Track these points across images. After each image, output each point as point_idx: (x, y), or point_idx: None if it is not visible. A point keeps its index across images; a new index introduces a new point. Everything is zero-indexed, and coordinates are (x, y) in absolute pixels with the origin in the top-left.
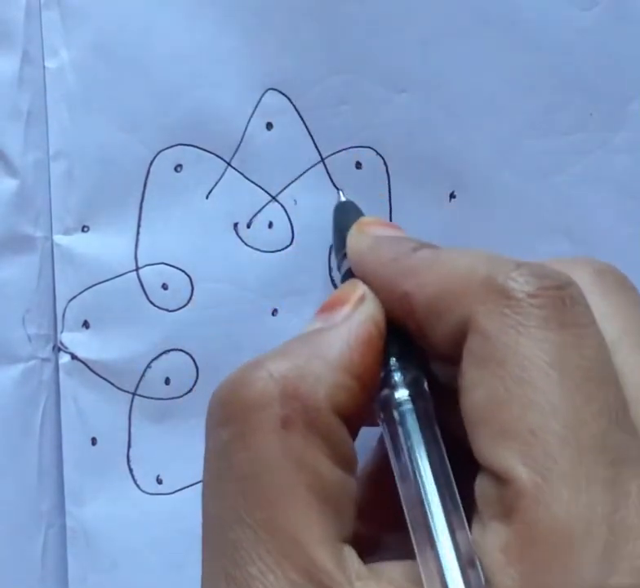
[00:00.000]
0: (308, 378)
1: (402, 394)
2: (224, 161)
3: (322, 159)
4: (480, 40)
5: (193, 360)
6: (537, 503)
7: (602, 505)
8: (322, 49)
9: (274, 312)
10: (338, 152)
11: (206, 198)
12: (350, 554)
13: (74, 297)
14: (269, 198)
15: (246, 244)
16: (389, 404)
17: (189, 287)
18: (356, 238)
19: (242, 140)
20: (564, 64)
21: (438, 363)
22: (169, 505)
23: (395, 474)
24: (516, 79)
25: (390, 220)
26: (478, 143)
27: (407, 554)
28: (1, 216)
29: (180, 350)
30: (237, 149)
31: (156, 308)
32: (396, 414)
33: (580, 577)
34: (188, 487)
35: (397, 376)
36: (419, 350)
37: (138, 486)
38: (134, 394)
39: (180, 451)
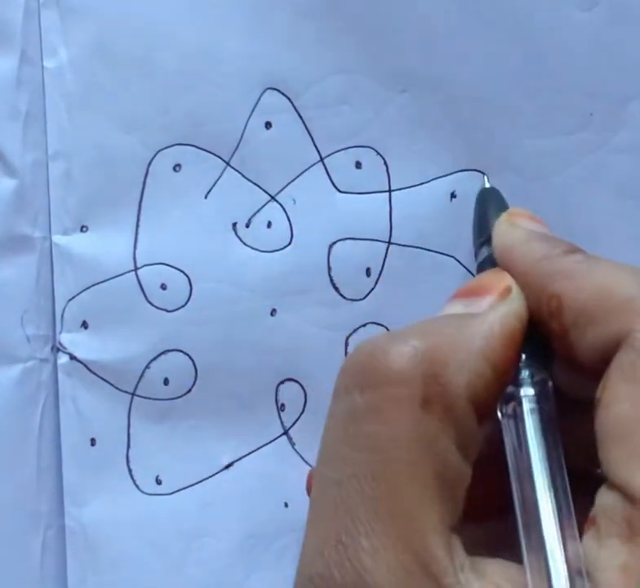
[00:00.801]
0: (452, 362)
1: (528, 391)
2: (223, 160)
3: (322, 159)
4: (480, 40)
5: (192, 360)
6: None
7: None
8: (322, 48)
9: (273, 312)
10: (337, 151)
11: (205, 197)
12: (457, 544)
13: (73, 297)
14: (268, 197)
15: (245, 244)
16: (514, 400)
17: (188, 287)
18: (505, 229)
19: (240, 139)
20: (564, 64)
21: (567, 369)
22: (168, 506)
23: (511, 472)
24: (516, 79)
25: (390, 220)
26: (478, 143)
27: (477, 548)
28: None
29: (179, 351)
30: (236, 149)
31: (155, 308)
32: (520, 411)
33: None
34: (187, 487)
35: (525, 374)
36: (548, 353)
37: (137, 486)
38: (133, 394)
39: (180, 451)
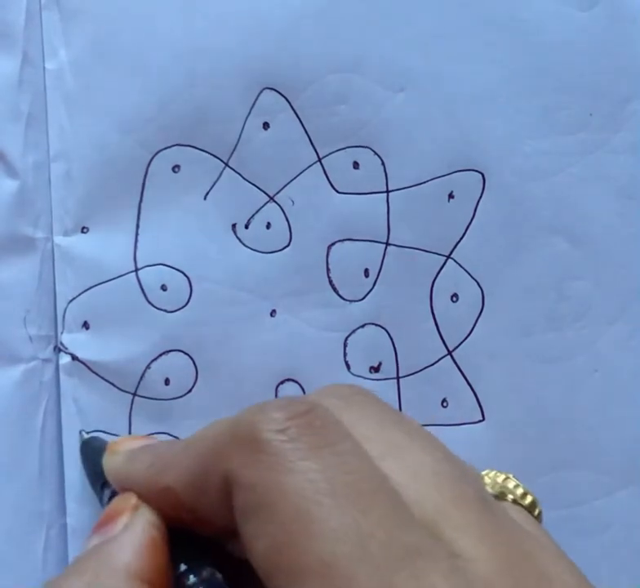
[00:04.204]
0: None
1: None
2: (222, 161)
3: (320, 159)
4: (480, 40)
5: (193, 361)
6: None
7: None
8: (319, 48)
9: (273, 312)
10: (335, 151)
11: (204, 198)
12: None
13: (74, 298)
14: (267, 198)
15: (244, 245)
16: None
17: (188, 288)
18: (110, 459)
19: (239, 140)
20: (564, 64)
21: (232, 540)
22: None
23: None
24: (516, 79)
25: (388, 221)
26: (478, 143)
27: None
28: (1, 218)
29: (180, 351)
30: (234, 150)
31: (155, 309)
32: None
33: None
34: None
35: (191, 579)
36: (206, 544)
37: None
38: (134, 394)
39: None
